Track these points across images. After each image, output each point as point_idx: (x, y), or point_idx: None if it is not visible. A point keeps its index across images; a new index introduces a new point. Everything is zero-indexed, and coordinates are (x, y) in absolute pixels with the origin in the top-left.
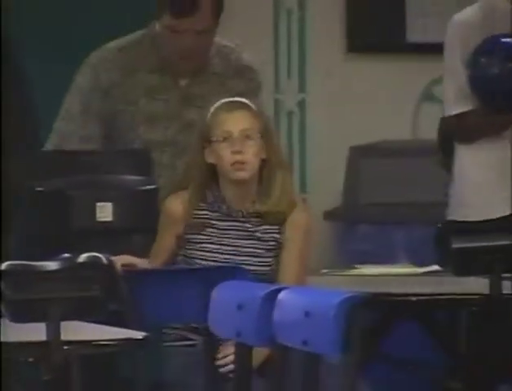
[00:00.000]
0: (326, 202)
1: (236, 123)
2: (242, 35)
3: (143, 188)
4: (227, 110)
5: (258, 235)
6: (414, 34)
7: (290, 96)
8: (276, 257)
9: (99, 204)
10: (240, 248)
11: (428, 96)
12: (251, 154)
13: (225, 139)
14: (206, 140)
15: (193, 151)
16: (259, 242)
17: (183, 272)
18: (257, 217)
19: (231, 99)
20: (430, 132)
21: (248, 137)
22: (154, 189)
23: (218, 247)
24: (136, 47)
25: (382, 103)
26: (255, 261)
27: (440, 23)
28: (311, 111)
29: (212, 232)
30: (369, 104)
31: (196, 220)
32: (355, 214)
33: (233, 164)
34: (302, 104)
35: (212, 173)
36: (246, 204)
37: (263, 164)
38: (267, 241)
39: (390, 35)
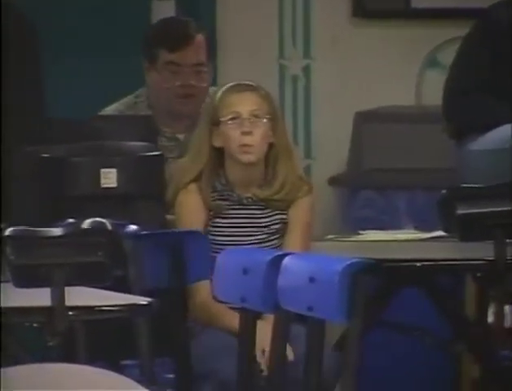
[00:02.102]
0: (332, 168)
1: (246, 104)
2: (246, 1)
3: (148, 154)
4: (237, 91)
5: (266, 220)
6: (419, 0)
7: (295, 62)
8: (283, 236)
9: (103, 170)
10: (249, 237)
11: (432, 62)
12: (259, 136)
13: (234, 120)
14: (214, 122)
15: (201, 134)
16: (267, 228)
17: (141, 237)
18: (264, 202)
19: (239, 82)
20: (433, 98)
21: (257, 118)
22: (159, 155)
23: (228, 239)
24: (130, 110)
25: (387, 69)
26: (264, 248)
27: None
28: (315, 76)
29: (223, 223)
30: (374, 70)
31: (217, 203)
32: (358, 180)
33: (241, 146)
34: (307, 70)
35: (219, 158)
36: (253, 189)
37: (270, 148)
38: (275, 224)
39: (395, 0)
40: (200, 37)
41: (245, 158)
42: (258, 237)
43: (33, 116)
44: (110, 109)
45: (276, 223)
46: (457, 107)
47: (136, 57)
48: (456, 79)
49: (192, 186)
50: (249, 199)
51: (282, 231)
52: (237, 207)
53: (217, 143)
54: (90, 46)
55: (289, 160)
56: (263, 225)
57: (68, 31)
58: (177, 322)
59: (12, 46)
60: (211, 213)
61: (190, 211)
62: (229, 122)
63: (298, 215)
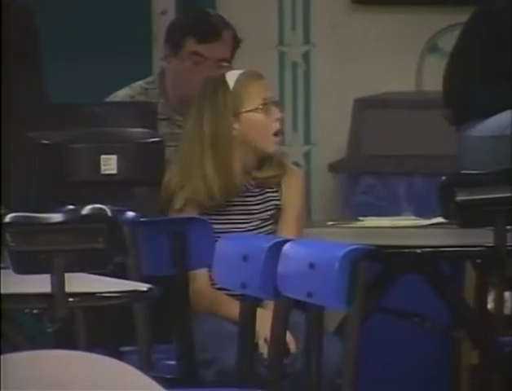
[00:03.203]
0: (331, 154)
1: (268, 90)
2: None
3: (148, 141)
4: (257, 78)
5: (259, 207)
6: None
7: (295, 48)
8: (276, 222)
9: (103, 156)
10: (243, 225)
11: (432, 48)
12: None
13: (264, 107)
14: (235, 112)
15: (225, 127)
16: (261, 215)
17: (145, 224)
18: (258, 185)
19: (248, 70)
20: (433, 84)
21: (276, 104)
22: (159, 142)
23: (223, 227)
24: (141, 96)
25: (387, 55)
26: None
27: None
28: (315, 63)
29: (218, 211)
30: (374, 56)
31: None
32: (358, 166)
33: (275, 133)
34: (306, 56)
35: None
36: (247, 177)
37: None
38: (268, 211)
39: None
40: (228, 34)
41: (275, 148)
42: (252, 224)
43: (34, 101)
44: (120, 93)
45: (270, 209)
46: (458, 94)
47: (136, 49)
48: (457, 65)
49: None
50: (243, 187)
51: (275, 217)
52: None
53: (235, 133)
54: (90, 40)
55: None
56: (257, 212)
57: (69, 19)
58: (179, 308)
59: (12, 31)
60: (206, 205)
61: (184, 210)
62: (259, 110)
63: (291, 200)
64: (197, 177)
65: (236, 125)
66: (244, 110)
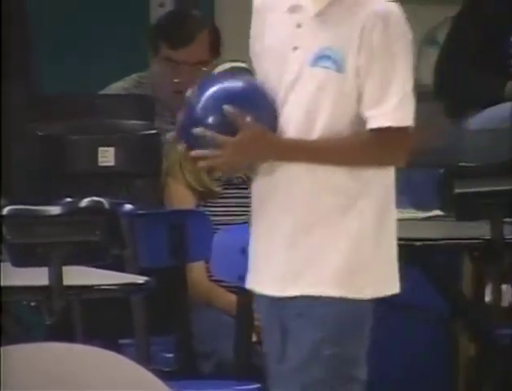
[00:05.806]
0: None
1: None
2: None
3: (145, 133)
4: None
5: None
6: None
7: None
8: None
9: (101, 148)
10: (240, 217)
11: (430, 40)
12: None
13: None
14: None
15: None
16: None
17: (143, 216)
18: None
19: (235, 64)
20: (431, 76)
21: None
22: (156, 134)
23: (220, 219)
24: (135, 89)
25: None
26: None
27: None
28: None
29: (215, 203)
30: None
31: (209, 185)
32: None
33: None
34: None
35: None
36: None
37: None
38: None
39: None
40: (203, 35)
41: None
42: (249, 216)
43: (28, 92)
44: (115, 87)
45: None
46: (452, 86)
47: (134, 42)
48: (449, 57)
49: (180, 173)
50: (240, 179)
51: None
52: (228, 187)
53: None
54: (87, 32)
55: None
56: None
57: (67, 11)
58: (178, 301)
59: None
60: (203, 194)
61: (178, 198)
62: None
63: None
64: (177, 167)
65: None
66: None
